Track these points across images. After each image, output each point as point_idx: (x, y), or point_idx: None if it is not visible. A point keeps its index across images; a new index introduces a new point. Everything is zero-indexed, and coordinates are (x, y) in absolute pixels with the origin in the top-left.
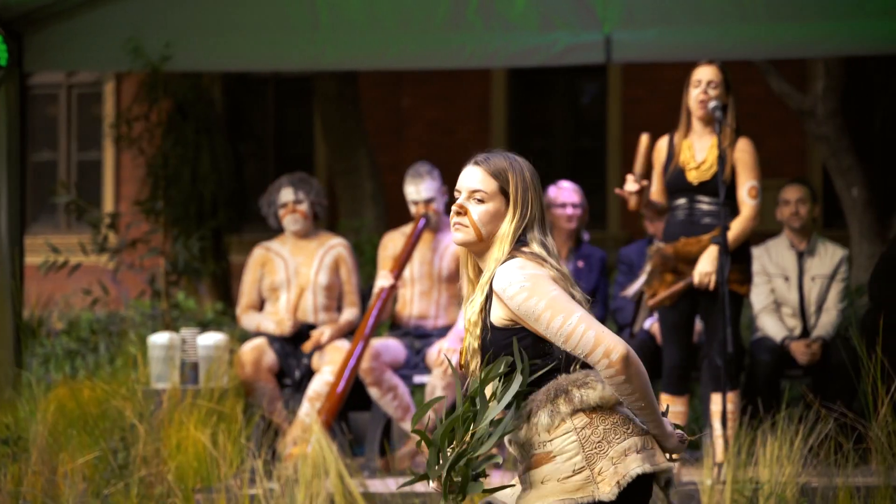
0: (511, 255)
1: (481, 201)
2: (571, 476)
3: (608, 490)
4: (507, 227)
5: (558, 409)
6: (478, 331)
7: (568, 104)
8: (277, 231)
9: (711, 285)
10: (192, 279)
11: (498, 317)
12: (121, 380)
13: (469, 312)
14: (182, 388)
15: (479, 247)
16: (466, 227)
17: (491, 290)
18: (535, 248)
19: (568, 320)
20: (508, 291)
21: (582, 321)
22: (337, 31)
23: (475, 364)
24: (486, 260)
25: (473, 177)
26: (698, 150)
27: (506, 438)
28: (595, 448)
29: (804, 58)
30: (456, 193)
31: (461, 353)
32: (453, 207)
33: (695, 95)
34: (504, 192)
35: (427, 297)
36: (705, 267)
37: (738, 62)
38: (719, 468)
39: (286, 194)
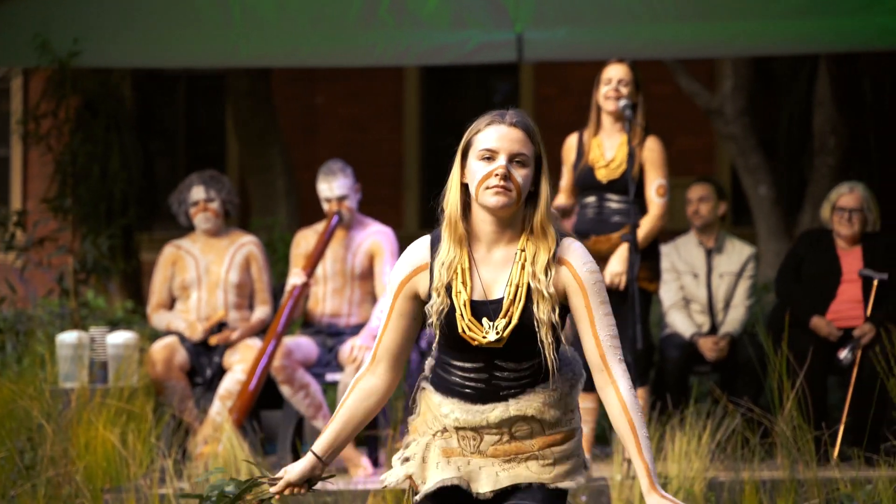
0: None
1: (523, 164)
2: (578, 453)
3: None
4: (545, 200)
5: (581, 385)
6: (549, 306)
7: (480, 102)
8: (188, 229)
9: (622, 285)
10: (101, 277)
11: (557, 291)
12: (28, 379)
13: (542, 285)
14: (91, 387)
15: (510, 211)
16: (510, 191)
17: (550, 267)
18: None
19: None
20: (590, 266)
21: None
22: (249, 28)
23: (546, 334)
24: (539, 231)
25: (515, 139)
26: (608, 149)
27: (529, 413)
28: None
29: (712, 57)
30: (481, 156)
31: (506, 328)
32: (497, 170)
33: (605, 93)
34: (538, 154)
35: (340, 295)
36: (615, 267)
37: (647, 61)
38: (629, 464)
39: (197, 192)
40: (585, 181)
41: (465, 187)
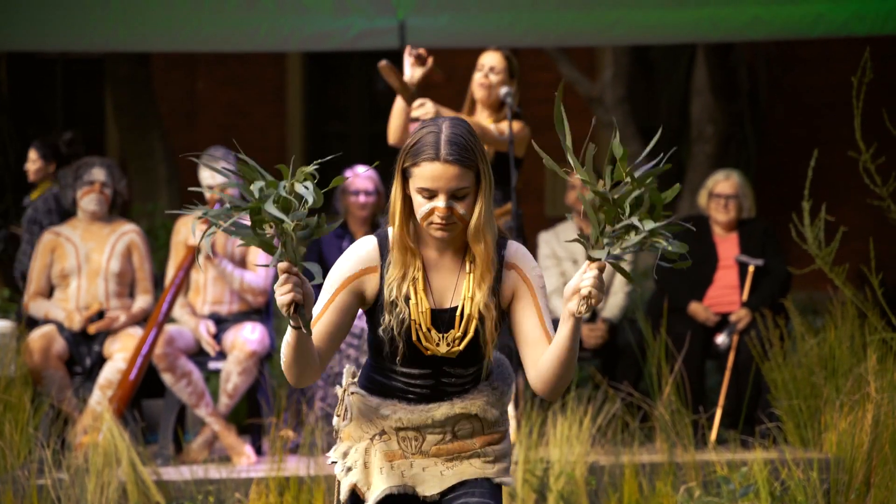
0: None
1: (465, 196)
2: (510, 453)
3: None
4: (486, 206)
5: (513, 387)
6: (492, 314)
7: (364, 88)
8: (68, 215)
9: None
10: None
11: (503, 298)
12: None
13: (478, 296)
14: None
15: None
16: (454, 224)
17: (499, 273)
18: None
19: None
20: (537, 271)
21: None
22: (128, 11)
23: (489, 350)
24: (473, 242)
25: (452, 176)
26: None
27: (483, 412)
28: None
29: (592, 46)
30: (420, 192)
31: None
32: (438, 214)
33: (477, 79)
34: (476, 171)
35: (221, 283)
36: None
37: (529, 49)
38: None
39: (98, 173)
40: None
41: (408, 198)
